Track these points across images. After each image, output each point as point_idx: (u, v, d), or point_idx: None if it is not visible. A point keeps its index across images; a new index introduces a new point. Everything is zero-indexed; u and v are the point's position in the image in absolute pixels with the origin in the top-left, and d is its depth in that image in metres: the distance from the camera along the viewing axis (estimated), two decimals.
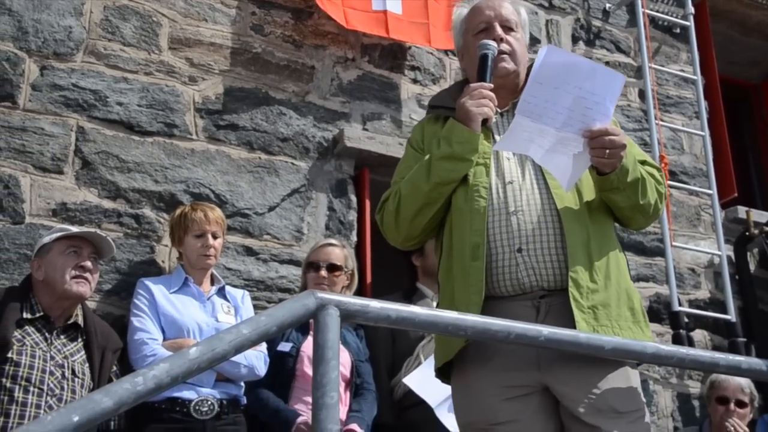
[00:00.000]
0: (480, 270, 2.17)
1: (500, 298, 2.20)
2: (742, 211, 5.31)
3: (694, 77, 5.46)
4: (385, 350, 3.81)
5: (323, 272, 3.58)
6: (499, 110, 2.31)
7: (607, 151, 2.12)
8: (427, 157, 2.28)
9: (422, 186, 2.25)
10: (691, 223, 5.20)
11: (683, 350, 2.20)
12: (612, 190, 2.20)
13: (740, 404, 4.08)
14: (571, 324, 2.10)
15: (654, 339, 2.27)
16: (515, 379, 2.14)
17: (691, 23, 5.53)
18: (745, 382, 4.09)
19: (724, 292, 5.01)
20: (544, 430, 2.13)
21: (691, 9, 5.55)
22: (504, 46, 2.32)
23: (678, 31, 5.64)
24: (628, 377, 2.17)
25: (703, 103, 5.44)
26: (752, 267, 5.29)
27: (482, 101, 2.19)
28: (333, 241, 3.79)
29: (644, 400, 2.20)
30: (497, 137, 2.30)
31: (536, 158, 2.18)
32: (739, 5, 5.99)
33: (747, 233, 5.20)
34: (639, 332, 2.18)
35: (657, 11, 5.56)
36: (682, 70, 5.54)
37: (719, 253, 5.07)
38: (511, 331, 2.04)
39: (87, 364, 2.98)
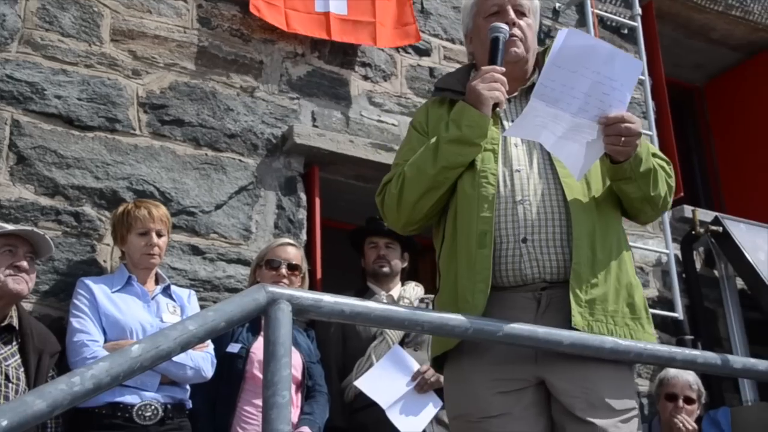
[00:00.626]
0: (487, 258, 2.10)
1: (502, 288, 2.14)
2: (688, 210, 5.37)
3: (642, 77, 5.50)
4: (336, 351, 3.73)
5: (283, 270, 3.48)
6: (507, 96, 2.22)
7: (623, 138, 2.05)
8: (433, 139, 2.20)
9: (428, 169, 2.17)
10: None
11: (641, 345, 2.16)
12: (624, 179, 2.15)
13: (688, 401, 4.12)
14: (569, 317, 2.05)
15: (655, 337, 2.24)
16: (510, 372, 2.10)
17: (638, 24, 5.58)
18: (692, 379, 4.13)
19: (672, 291, 5.06)
20: (535, 426, 2.08)
21: (639, 10, 5.61)
22: (516, 31, 2.26)
23: (626, 31, 5.69)
24: (624, 374, 2.14)
25: (651, 104, 5.49)
26: (698, 265, 5.35)
27: (494, 84, 2.12)
28: (290, 240, 3.70)
29: (636, 399, 2.17)
30: (506, 123, 2.25)
31: (547, 145, 2.11)
32: (683, 8, 6.08)
33: (693, 232, 5.26)
34: (637, 328, 2.15)
35: (605, 11, 5.60)
36: None
37: (667, 251, 5.12)
38: (469, 326, 1.99)
39: (22, 369, 2.83)
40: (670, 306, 5.05)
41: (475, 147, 2.16)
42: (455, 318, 1.99)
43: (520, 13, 2.31)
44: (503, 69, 2.16)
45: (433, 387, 3.49)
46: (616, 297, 2.14)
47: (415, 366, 3.51)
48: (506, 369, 2.11)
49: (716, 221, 5.29)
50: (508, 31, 2.23)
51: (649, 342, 2.17)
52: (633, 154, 2.10)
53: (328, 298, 1.83)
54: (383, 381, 3.46)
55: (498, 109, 2.18)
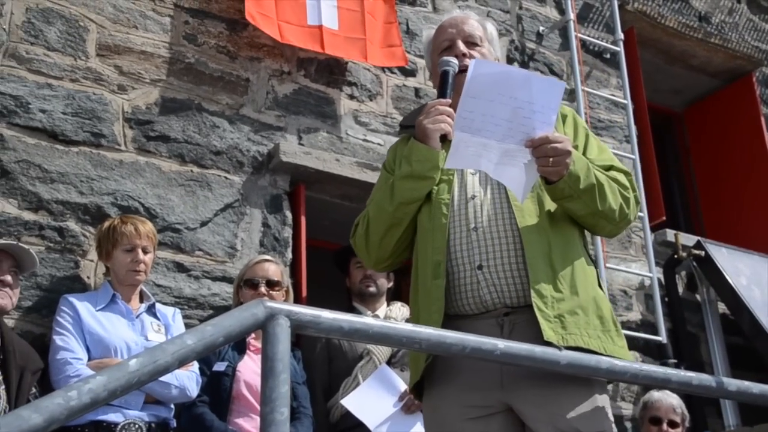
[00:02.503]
0: (440, 288, 2.12)
1: (464, 316, 2.14)
2: (670, 234, 5.41)
3: (624, 101, 5.56)
4: (322, 371, 3.69)
5: (262, 289, 3.45)
6: None
7: (551, 159, 2.06)
8: (391, 179, 2.26)
9: (387, 207, 2.23)
10: (623, 246, 5.26)
11: (636, 366, 2.16)
12: (565, 198, 2.15)
13: (672, 424, 4.12)
14: (538, 339, 2.03)
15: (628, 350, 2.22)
16: (477, 399, 2.09)
17: (621, 49, 5.65)
18: (676, 403, 4.13)
19: (655, 314, 5.08)
20: None
21: (621, 35, 5.68)
22: (467, 62, 2.27)
23: (608, 56, 5.75)
24: (594, 399, 2.11)
25: (633, 128, 5.54)
26: (680, 289, 5.38)
27: (438, 118, 2.16)
28: (267, 257, 3.66)
29: (611, 420, 2.14)
30: None
31: (489, 172, 2.13)
32: (663, 34, 6.16)
33: (675, 256, 5.30)
34: (608, 341, 2.13)
35: (588, 36, 5.66)
36: (613, 95, 5.64)
37: (650, 275, 5.14)
38: (466, 344, 1.97)
39: (3, 386, 2.76)
40: (653, 329, 5.06)
41: (427, 180, 2.20)
42: (453, 336, 1.97)
43: (472, 44, 2.36)
44: (449, 101, 2.20)
45: (420, 408, 3.45)
46: (585, 310, 2.13)
47: (403, 386, 3.48)
48: (473, 396, 2.10)
49: (698, 245, 5.33)
50: (457, 64, 2.27)
51: (645, 364, 2.16)
52: (567, 173, 2.10)
53: (327, 314, 1.80)
54: (370, 401, 3.43)
55: (449, 138, 2.18)
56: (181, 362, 1.57)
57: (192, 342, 1.59)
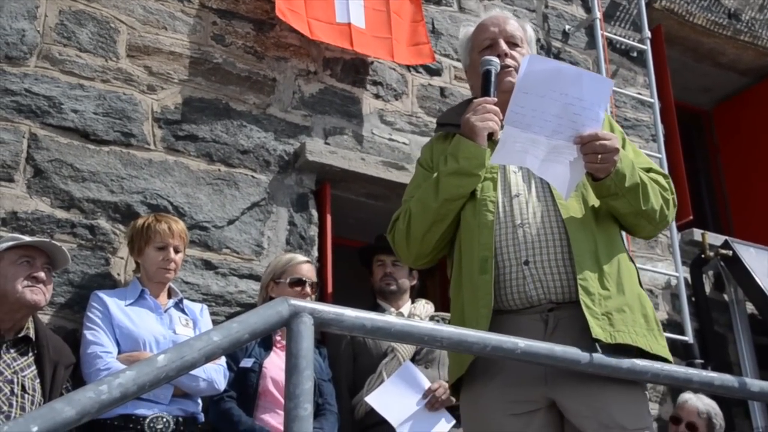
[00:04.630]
0: (488, 283, 2.14)
1: (508, 312, 2.17)
2: (697, 233, 5.38)
3: (651, 100, 5.54)
4: (347, 368, 3.73)
5: (308, 289, 3.52)
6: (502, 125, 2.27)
7: (599, 155, 2.09)
8: (435, 174, 2.27)
9: (431, 203, 2.24)
10: (649, 245, 5.24)
11: (657, 365, 2.16)
12: (610, 196, 2.18)
13: (691, 427, 4.06)
14: (582, 336, 2.06)
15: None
16: (521, 394, 2.11)
17: (648, 47, 5.62)
18: (703, 408, 4.05)
19: (681, 314, 5.05)
20: None
21: (648, 33, 5.65)
22: (509, 61, 2.31)
23: (635, 54, 5.72)
24: (637, 396, 2.14)
25: (660, 126, 5.51)
26: (708, 289, 5.34)
27: (486, 116, 2.18)
28: (305, 257, 3.72)
29: (652, 417, 2.17)
30: None
31: (534, 169, 2.16)
32: (692, 32, 6.12)
33: (703, 255, 5.26)
34: (653, 340, 2.15)
35: (615, 34, 5.64)
36: (639, 93, 5.62)
37: (676, 274, 5.11)
38: (487, 343, 2.00)
39: (38, 380, 2.84)
40: (679, 329, 5.04)
41: (473, 177, 2.22)
42: (474, 334, 2.00)
43: (513, 44, 2.38)
44: (495, 99, 2.21)
45: (444, 405, 3.49)
46: (631, 308, 2.15)
47: (426, 383, 3.51)
48: (517, 391, 2.12)
49: (726, 245, 5.29)
50: (499, 63, 2.29)
51: (666, 360, 2.17)
52: (613, 171, 2.12)
53: (350, 313, 1.84)
54: (394, 398, 3.45)
55: (494, 138, 2.21)
56: (208, 358, 1.62)
57: (218, 338, 1.63)
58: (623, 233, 2.36)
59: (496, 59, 2.29)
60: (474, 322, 2.11)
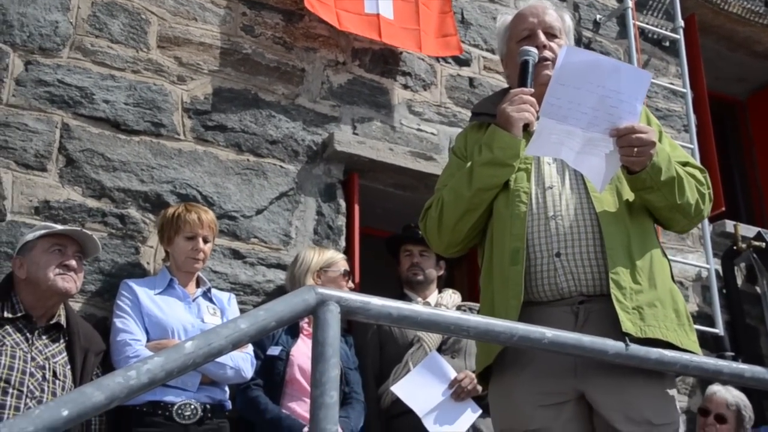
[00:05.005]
0: (519, 274, 2.13)
1: (539, 303, 2.17)
2: (729, 225, 5.31)
3: (683, 90, 5.46)
4: (373, 358, 3.74)
5: (351, 283, 3.64)
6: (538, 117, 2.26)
7: (635, 149, 2.07)
8: (469, 164, 2.27)
9: (464, 192, 2.24)
10: (679, 236, 5.18)
11: (686, 357, 2.14)
12: (645, 189, 2.16)
13: (720, 419, 4.04)
14: (613, 329, 2.05)
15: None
16: (551, 386, 2.11)
17: (680, 36, 5.54)
18: (732, 400, 4.03)
19: (712, 306, 4.99)
20: None
21: (681, 22, 5.57)
22: (547, 53, 2.29)
23: (667, 44, 5.65)
24: (665, 391, 2.13)
25: (692, 117, 5.44)
26: (739, 281, 5.27)
27: (523, 106, 2.17)
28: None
29: (679, 412, 2.15)
30: None
31: (569, 161, 2.15)
32: (726, 20, 6.02)
33: (735, 247, 5.20)
34: (683, 334, 2.14)
35: (647, 24, 5.57)
36: (672, 83, 5.55)
37: (707, 266, 5.06)
38: (514, 332, 1.99)
39: (69, 366, 2.88)
40: (710, 322, 4.98)
41: (507, 168, 2.21)
42: (501, 324, 1.99)
43: (552, 36, 2.36)
44: (532, 90, 2.20)
45: (470, 395, 3.49)
46: (663, 303, 2.14)
47: (453, 373, 3.51)
48: (547, 382, 2.11)
49: (759, 236, 5.22)
50: (537, 54, 2.28)
51: (695, 354, 2.15)
52: (649, 164, 2.10)
53: (376, 301, 1.84)
54: (420, 388, 3.46)
55: (529, 129, 2.20)
56: (235, 345, 1.63)
57: (245, 326, 1.64)
58: (656, 227, 2.33)
59: (534, 50, 2.27)
60: (504, 312, 2.11)
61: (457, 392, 3.48)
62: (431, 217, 2.33)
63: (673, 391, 2.17)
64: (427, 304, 3.86)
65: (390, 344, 3.74)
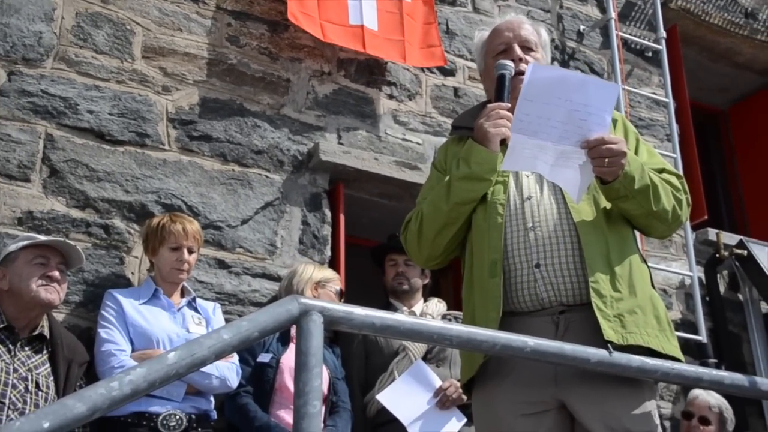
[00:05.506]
0: (497, 286, 2.16)
1: (520, 314, 2.19)
2: (712, 233, 5.36)
3: (666, 100, 5.52)
4: (359, 367, 3.75)
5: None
6: None
7: (607, 159, 2.10)
8: (447, 178, 2.30)
9: (442, 206, 2.27)
10: (663, 244, 5.22)
11: (668, 364, 2.16)
12: (620, 198, 2.19)
13: (703, 421, 4.08)
14: (594, 338, 2.07)
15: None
16: (532, 395, 2.13)
17: (663, 47, 5.60)
18: (715, 402, 4.09)
19: (695, 313, 5.03)
20: None
21: (663, 33, 5.62)
22: (523, 66, 2.31)
23: (650, 54, 5.70)
24: (644, 401, 2.15)
25: (675, 126, 5.49)
26: (722, 289, 5.32)
27: (499, 122, 2.19)
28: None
29: (657, 422, 2.17)
30: None
31: (545, 174, 2.18)
32: (708, 32, 6.09)
33: (717, 255, 5.24)
34: (665, 340, 2.17)
35: (630, 34, 5.62)
36: (654, 93, 5.60)
37: (690, 274, 5.10)
38: (496, 341, 2.00)
39: (52, 377, 2.87)
40: (693, 329, 5.02)
41: (485, 182, 2.24)
42: (483, 333, 2.00)
43: (528, 49, 2.39)
44: (509, 105, 2.22)
45: (455, 404, 3.50)
46: (643, 309, 2.16)
47: (438, 382, 3.52)
48: (528, 391, 2.14)
49: (741, 245, 5.27)
50: (514, 68, 2.30)
51: (677, 359, 2.17)
52: (622, 173, 2.13)
53: (359, 311, 1.85)
54: (405, 396, 3.47)
55: (507, 142, 2.21)
56: (218, 356, 1.63)
57: (228, 336, 1.65)
58: (637, 234, 2.36)
59: (510, 64, 2.30)
60: (484, 324, 2.13)
61: (442, 401, 3.49)
62: (411, 231, 2.36)
63: (652, 401, 2.19)
64: (413, 313, 3.88)
65: (375, 354, 3.75)
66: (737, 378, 2.31)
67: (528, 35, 2.41)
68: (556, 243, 2.19)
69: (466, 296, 2.30)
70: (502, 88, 2.26)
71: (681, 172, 5.28)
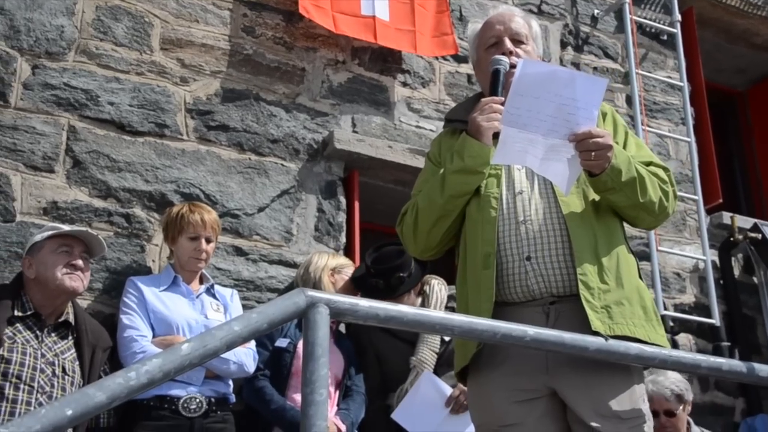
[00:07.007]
0: (490, 278, 2.24)
1: (511, 304, 2.27)
2: (726, 216, 5.37)
3: (681, 84, 5.52)
4: (373, 372, 3.69)
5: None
6: None
7: (593, 152, 2.17)
8: (441, 170, 2.36)
9: (437, 199, 2.33)
10: (677, 228, 5.26)
11: (665, 352, 2.23)
12: (608, 190, 2.25)
13: (669, 413, 3.94)
14: (583, 328, 2.14)
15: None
16: (524, 383, 2.21)
17: (678, 30, 5.59)
18: (666, 391, 3.92)
19: (709, 297, 5.07)
20: None
21: (678, 16, 5.62)
22: (514, 59, 2.36)
23: (665, 37, 5.70)
24: (632, 386, 2.22)
25: (689, 110, 5.50)
26: (736, 272, 5.34)
27: (492, 116, 2.25)
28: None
29: (646, 406, 2.24)
30: None
31: (534, 168, 2.25)
32: (725, 13, 6.06)
33: (732, 239, 5.26)
34: (652, 330, 2.24)
35: (644, 18, 5.62)
36: (669, 77, 5.60)
37: (704, 257, 5.13)
38: (497, 331, 2.08)
39: (77, 362, 3.00)
40: (706, 312, 5.06)
41: (478, 175, 2.31)
42: (484, 322, 2.08)
43: (518, 42, 2.44)
44: (502, 99, 2.27)
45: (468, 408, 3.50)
46: (630, 300, 2.24)
47: (448, 390, 3.45)
48: (520, 379, 2.22)
49: (755, 228, 5.28)
50: (508, 63, 2.35)
51: (674, 350, 2.24)
52: (608, 166, 2.20)
53: (364, 303, 1.94)
54: (418, 410, 3.43)
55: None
56: (229, 346, 1.73)
57: (239, 328, 1.75)
58: (626, 226, 2.42)
59: (505, 59, 2.36)
60: (477, 314, 2.20)
61: (455, 408, 3.48)
62: (407, 223, 2.43)
63: (641, 385, 2.27)
64: (423, 293, 3.81)
65: (389, 362, 3.67)
66: (735, 364, 2.37)
67: (519, 28, 2.45)
68: (546, 236, 2.26)
69: (460, 286, 2.38)
70: (496, 83, 2.32)
71: (695, 156, 5.35)
